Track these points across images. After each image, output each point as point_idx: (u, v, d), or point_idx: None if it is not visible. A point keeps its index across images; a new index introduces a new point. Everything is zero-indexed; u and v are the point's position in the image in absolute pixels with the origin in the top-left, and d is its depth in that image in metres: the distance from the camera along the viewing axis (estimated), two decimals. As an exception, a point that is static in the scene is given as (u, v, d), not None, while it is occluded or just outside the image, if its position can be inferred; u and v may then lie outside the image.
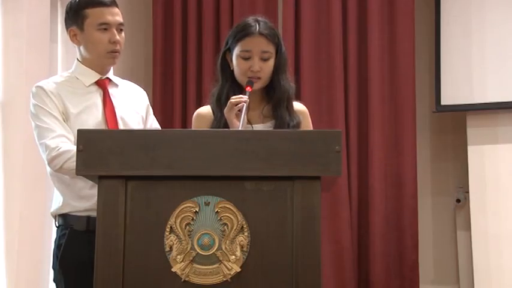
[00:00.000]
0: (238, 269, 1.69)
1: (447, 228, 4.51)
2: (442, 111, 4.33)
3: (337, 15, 4.36)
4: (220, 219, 1.71)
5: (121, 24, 2.53)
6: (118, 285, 1.69)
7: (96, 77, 2.56)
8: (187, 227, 1.71)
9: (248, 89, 2.32)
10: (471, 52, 4.24)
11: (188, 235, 1.71)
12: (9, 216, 3.41)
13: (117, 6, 2.55)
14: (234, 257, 1.70)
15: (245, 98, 2.27)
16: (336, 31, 4.35)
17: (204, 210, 1.72)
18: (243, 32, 2.37)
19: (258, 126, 2.39)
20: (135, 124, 2.60)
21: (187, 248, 1.70)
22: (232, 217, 1.71)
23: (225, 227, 1.71)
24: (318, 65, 4.39)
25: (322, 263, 1.72)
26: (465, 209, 4.35)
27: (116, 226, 1.71)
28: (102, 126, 2.50)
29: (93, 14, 2.49)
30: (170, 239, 1.71)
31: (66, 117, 2.47)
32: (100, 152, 1.73)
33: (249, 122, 2.37)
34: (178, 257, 1.70)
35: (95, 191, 1.78)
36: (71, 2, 2.57)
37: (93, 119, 2.49)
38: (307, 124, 2.48)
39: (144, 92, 2.78)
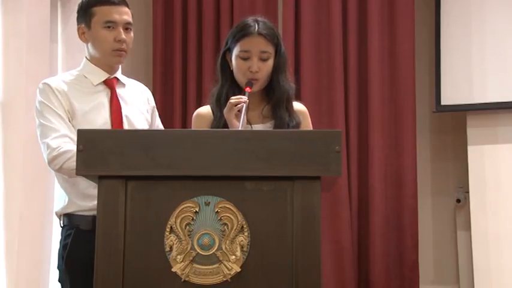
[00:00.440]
0: (238, 269, 1.69)
1: (447, 228, 4.51)
2: (442, 111, 4.33)
3: (337, 16, 4.36)
4: (220, 219, 1.71)
5: (128, 23, 2.54)
6: (118, 285, 1.69)
7: (104, 76, 2.56)
8: (188, 227, 1.71)
9: (247, 89, 2.32)
10: (471, 52, 4.24)
11: (188, 235, 1.71)
12: (9, 216, 3.41)
13: (126, 5, 2.55)
14: (234, 257, 1.70)
15: (244, 98, 2.27)
16: (336, 31, 4.35)
17: (204, 210, 1.72)
18: (242, 32, 2.37)
19: (258, 127, 2.39)
20: (141, 125, 2.60)
21: (187, 248, 1.70)
22: (232, 217, 1.71)
23: (225, 227, 1.71)
24: (318, 65, 4.39)
25: (322, 263, 1.72)
26: (465, 209, 4.35)
27: (116, 226, 1.71)
28: (108, 126, 2.50)
29: (100, 12, 2.50)
30: (170, 239, 1.71)
31: (71, 116, 2.47)
32: (100, 152, 1.73)
33: (249, 122, 2.37)
34: (179, 257, 1.70)
35: None
36: (82, 0, 2.58)
37: (101, 119, 2.50)
38: (307, 124, 2.48)
39: (150, 91, 2.78)
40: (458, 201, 4.41)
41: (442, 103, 4.28)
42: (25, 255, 3.40)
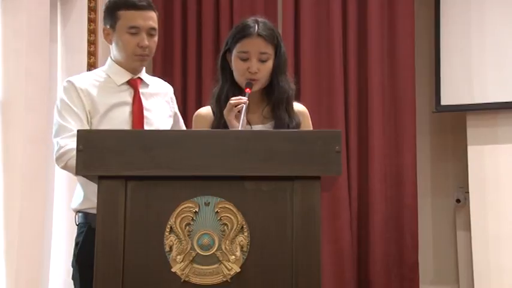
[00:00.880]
0: (238, 269, 1.69)
1: (447, 228, 4.51)
2: (442, 111, 4.33)
3: (337, 16, 4.36)
4: (220, 219, 1.71)
5: (153, 28, 2.54)
6: (118, 285, 1.69)
7: (128, 76, 2.58)
8: (187, 227, 1.71)
9: (247, 90, 2.32)
10: (471, 52, 4.24)
11: (188, 235, 1.71)
12: (9, 216, 3.41)
13: (152, 9, 2.55)
14: (234, 257, 1.69)
15: (244, 99, 2.27)
16: (335, 31, 4.35)
17: (204, 210, 1.72)
18: (241, 33, 2.37)
19: (258, 127, 2.39)
20: (161, 126, 2.62)
21: (187, 248, 1.70)
22: (232, 217, 1.71)
23: (225, 227, 1.71)
24: (318, 65, 4.39)
25: (322, 263, 1.72)
26: (465, 209, 4.35)
27: (116, 226, 1.71)
28: (129, 126, 2.52)
29: (125, 17, 2.51)
30: (170, 239, 1.71)
31: (92, 115, 2.50)
32: (100, 152, 1.73)
33: (249, 123, 2.37)
34: (178, 257, 1.70)
35: None
36: (108, 0, 2.59)
37: (121, 118, 2.52)
38: (307, 125, 2.47)
39: (172, 89, 2.78)
40: (458, 201, 4.41)
41: (442, 103, 4.28)
42: (25, 255, 3.40)
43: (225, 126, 2.31)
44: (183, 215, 1.71)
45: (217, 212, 1.71)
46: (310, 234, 1.69)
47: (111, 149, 1.73)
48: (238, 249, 1.70)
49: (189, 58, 4.56)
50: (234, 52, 2.38)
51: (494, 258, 4.13)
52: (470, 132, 4.26)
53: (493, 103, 4.17)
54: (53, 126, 2.50)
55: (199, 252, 1.70)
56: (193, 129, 2.48)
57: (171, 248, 1.71)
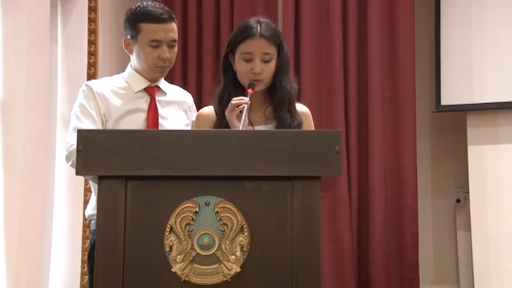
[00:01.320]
0: (238, 269, 1.69)
1: (447, 228, 4.51)
2: (442, 111, 4.33)
3: (337, 16, 4.36)
4: (220, 219, 1.71)
5: (174, 40, 2.55)
6: (118, 285, 1.69)
7: (145, 84, 2.60)
8: (187, 227, 1.71)
9: (249, 91, 2.32)
10: (471, 52, 4.24)
11: (188, 235, 1.71)
12: (9, 216, 3.41)
13: (173, 20, 2.56)
14: (234, 257, 1.70)
15: (246, 99, 2.27)
16: (336, 32, 4.35)
17: (204, 210, 1.72)
18: (244, 34, 2.37)
19: (260, 128, 2.39)
20: None
21: (187, 248, 1.70)
22: (232, 217, 1.71)
23: (225, 227, 1.71)
24: (318, 65, 4.39)
25: (322, 263, 1.72)
26: (465, 209, 4.35)
27: (116, 226, 1.71)
28: None
29: (147, 30, 2.51)
30: (170, 239, 1.71)
31: (107, 119, 2.52)
32: (100, 152, 1.73)
33: (252, 123, 2.37)
34: (178, 257, 1.70)
35: None
36: (130, 10, 2.59)
37: (135, 124, 2.53)
38: (309, 125, 2.47)
39: (191, 98, 2.78)
40: (458, 201, 4.41)
41: (442, 103, 4.28)
42: (25, 255, 3.40)
43: (227, 126, 2.31)
44: (183, 215, 1.71)
45: (217, 212, 1.71)
46: (310, 234, 1.69)
47: (111, 149, 1.73)
48: (239, 249, 1.70)
49: (189, 58, 4.56)
50: (237, 53, 2.38)
51: (494, 258, 4.13)
52: (470, 132, 4.26)
53: (493, 103, 4.17)
54: (69, 126, 2.54)
55: (200, 252, 1.70)
56: (195, 129, 2.49)
57: (171, 248, 1.71)
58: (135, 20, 2.54)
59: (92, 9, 4.08)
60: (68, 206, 3.91)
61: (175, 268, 1.70)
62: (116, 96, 2.56)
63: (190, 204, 1.72)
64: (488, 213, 4.18)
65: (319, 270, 1.69)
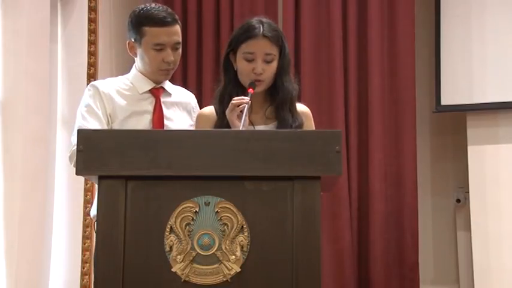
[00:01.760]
0: (238, 269, 1.69)
1: (447, 228, 4.51)
2: (442, 111, 4.33)
3: (337, 16, 4.36)
4: (220, 219, 1.71)
5: (177, 43, 2.56)
6: (118, 285, 1.69)
7: (150, 85, 2.61)
8: (187, 227, 1.71)
9: (250, 91, 2.32)
10: (471, 52, 4.24)
11: (188, 235, 1.71)
12: (9, 216, 3.41)
13: (177, 23, 2.56)
14: (234, 257, 1.70)
15: (247, 99, 2.27)
16: (336, 32, 4.35)
17: (204, 210, 1.72)
18: (246, 34, 2.37)
19: (261, 128, 2.39)
20: None
21: (187, 248, 1.70)
22: (232, 217, 1.71)
23: (225, 227, 1.71)
24: (318, 65, 4.39)
25: (322, 263, 1.72)
26: (465, 209, 4.35)
27: (116, 226, 1.71)
28: None
29: (150, 33, 2.51)
30: (170, 239, 1.71)
31: (112, 119, 2.53)
32: (100, 152, 1.73)
33: (252, 123, 2.37)
34: (178, 257, 1.70)
35: None
36: (133, 13, 2.59)
37: (141, 126, 2.54)
38: (310, 126, 2.47)
39: (195, 99, 2.79)
40: (458, 201, 4.41)
41: (442, 103, 4.28)
42: (25, 255, 3.40)
43: (228, 126, 2.31)
44: (183, 215, 1.72)
45: (217, 212, 1.71)
46: (310, 234, 1.69)
47: (111, 149, 1.73)
48: (239, 249, 1.70)
49: (189, 58, 4.56)
50: (239, 53, 2.38)
51: (495, 258, 4.13)
52: (470, 132, 4.25)
53: (493, 103, 4.17)
54: (75, 125, 2.54)
55: (200, 252, 1.70)
56: (195, 129, 2.49)
57: (171, 247, 1.71)
58: (139, 23, 2.54)
59: (92, 9, 4.08)
60: (68, 206, 3.90)
61: (176, 268, 1.70)
62: (121, 97, 2.57)
63: (190, 204, 1.72)
64: (488, 213, 4.18)
65: (319, 269, 1.69)
